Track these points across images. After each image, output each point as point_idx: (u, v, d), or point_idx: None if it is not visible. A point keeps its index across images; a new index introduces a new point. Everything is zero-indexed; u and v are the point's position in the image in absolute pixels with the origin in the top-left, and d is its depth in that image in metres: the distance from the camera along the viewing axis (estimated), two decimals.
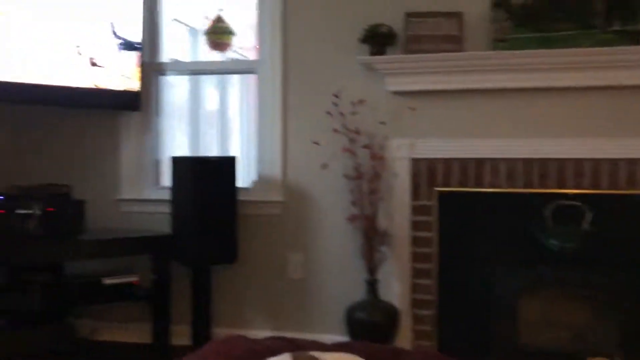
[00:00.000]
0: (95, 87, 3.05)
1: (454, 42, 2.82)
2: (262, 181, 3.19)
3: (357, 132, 2.88)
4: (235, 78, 4.84)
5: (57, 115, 3.27)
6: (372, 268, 2.87)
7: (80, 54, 3.00)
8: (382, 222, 2.91)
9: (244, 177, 3.41)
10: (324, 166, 2.95)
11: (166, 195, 3.08)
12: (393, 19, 2.88)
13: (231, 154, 5.27)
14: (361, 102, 2.91)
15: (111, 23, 3.08)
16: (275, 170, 3.15)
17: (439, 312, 2.93)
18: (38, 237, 2.63)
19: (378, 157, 2.88)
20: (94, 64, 3.06)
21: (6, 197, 2.64)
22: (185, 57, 4.52)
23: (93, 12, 3.02)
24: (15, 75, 2.82)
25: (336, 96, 2.93)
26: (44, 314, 2.77)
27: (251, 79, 3.88)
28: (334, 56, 3.05)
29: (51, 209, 2.61)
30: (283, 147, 3.14)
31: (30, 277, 2.70)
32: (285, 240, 3.14)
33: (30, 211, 2.58)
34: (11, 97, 2.86)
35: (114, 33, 3.09)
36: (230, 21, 3.51)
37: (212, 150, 5.01)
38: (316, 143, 2.99)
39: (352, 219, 2.92)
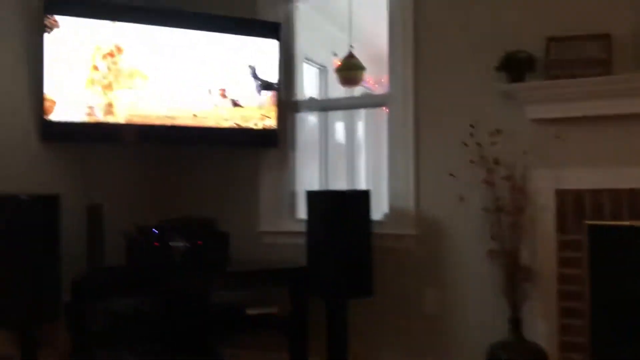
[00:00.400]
0: (237, 126, 3.24)
1: (601, 66, 2.64)
2: (395, 214, 3.17)
3: (496, 162, 2.77)
4: (365, 110, 4.92)
5: (204, 153, 3.51)
6: (514, 306, 2.71)
7: (225, 97, 3.21)
8: (525, 258, 2.75)
9: (375, 210, 3.40)
10: (461, 199, 2.87)
11: (302, 227, 3.16)
12: (530, 44, 2.77)
13: (361, 186, 5.34)
14: (499, 131, 2.80)
15: (251, 66, 3.27)
16: (409, 203, 3.11)
17: (593, 357, 2.69)
18: (187, 268, 2.80)
19: (519, 188, 2.75)
20: (235, 105, 3.26)
21: (160, 230, 2.85)
22: (316, 93, 4.68)
23: (235, 57, 3.23)
24: (166, 118, 3.08)
25: (472, 126, 2.86)
26: (192, 341, 2.92)
27: (380, 110, 3.94)
28: (469, 85, 2.99)
29: (200, 242, 2.77)
30: (416, 179, 3.10)
31: (180, 306, 2.87)
32: (421, 274, 3.08)
33: (181, 244, 2.77)
34: (163, 138, 3.12)
35: (254, 75, 3.28)
36: (361, 56, 3.58)
37: (341, 182, 5.10)
38: (452, 175, 2.93)
39: (492, 254, 2.79)
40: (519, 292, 2.72)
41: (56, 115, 2.83)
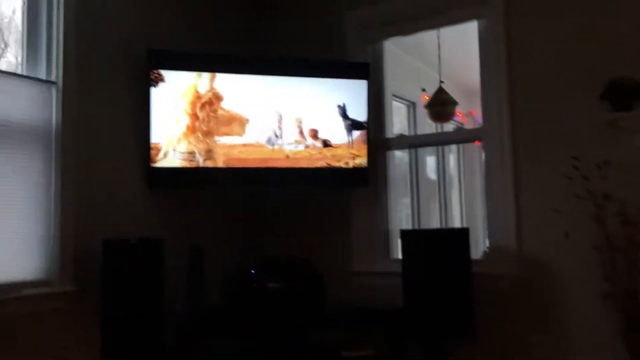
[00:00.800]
0: (328, 165, 3.27)
1: None
2: (495, 253, 3.03)
3: (606, 197, 2.59)
4: (455, 145, 4.82)
5: (297, 193, 3.57)
6: (635, 353, 2.48)
7: (316, 137, 3.26)
8: None
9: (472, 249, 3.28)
10: (566, 236, 2.70)
11: (396, 267, 3.09)
12: (635, 71, 2.61)
13: (454, 222, 5.20)
14: (606, 163, 2.63)
15: (340, 106, 3.30)
16: (509, 241, 2.97)
17: None
18: (284, 309, 2.81)
19: (633, 224, 2.55)
20: (326, 145, 3.29)
21: (257, 271, 2.90)
22: (406, 129, 4.65)
23: (325, 98, 3.28)
24: (261, 161, 3.16)
25: (575, 159, 2.70)
26: None
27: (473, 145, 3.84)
28: (569, 115, 2.84)
29: (297, 283, 2.79)
30: (517, 216, 2.96)
31: (277, 347, 2.88)
32: (526, 318, 2.89)
33: (278, 285, 2.79)
34: (258, 180, 3.20)
35: (344, 115, 3.31)
36: (449, 90, 3.54)
37: (434, 218, 4.99)
38: (555, 210, 2.77)
39: (606, 296, 2.58)
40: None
41: (160, 162, 2.99)
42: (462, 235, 2.83)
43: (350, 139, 3.31)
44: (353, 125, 3.33)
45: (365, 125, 3.34)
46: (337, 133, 3.30)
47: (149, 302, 2.59)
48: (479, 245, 4.69)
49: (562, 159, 2.78)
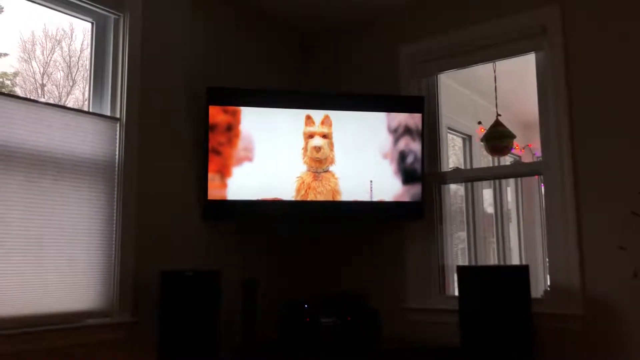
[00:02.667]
0: (382, 200, 3.24)
1: None
2: (556, 291, 2.91)
3: None
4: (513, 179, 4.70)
5: (351, 227, 3.55)
6: None
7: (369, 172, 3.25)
8: None
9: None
10: (635, 275, 2.56)
11: (451, 304, 3.01)
12: None
13: (512, 257, 5.03)
14: None
15: (402, 151, 3.28)
16: (572, 280, 2.84)
17: None
18: (337, 345, 2.78)
19: None
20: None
21: (310, 305, 2.88)
22: (461, 162, 4.58)
23: (382, 131, 3.28)
24: (312, 195, 3.18)
25: None
26: None
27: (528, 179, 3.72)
28: (634, 148, 2.73)
29: (349, 318, 2.75)
30: (580, 253, 2.83)
31: None
32: None
33: (331, 319, 2.76)
34: (313, 215, 3.20)
35: (401, 158, 3.29)
36: (505, 123, 3.47)
37: (490, 254, 4.85)
38: (622, 248, 2.63)
39: None
40: None
41: (214, 194, 3.05)
42: (522, 273, 2.73)
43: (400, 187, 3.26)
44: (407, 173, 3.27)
45: (421, 159, 3.30)
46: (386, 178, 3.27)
47: (205, 334, 2.61)
48: (539, 283, 4.51)
49: (628, 193, 2.66)
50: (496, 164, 4.25)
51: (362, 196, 3.22)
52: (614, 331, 2.70)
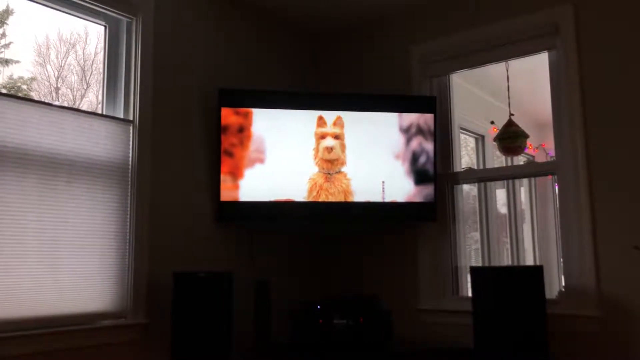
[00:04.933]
0: (394, 201, 3.23)
1: None
2: (571, 292, 2.88)
3: None
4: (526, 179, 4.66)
5: (364, 228, 3.54)
6: None
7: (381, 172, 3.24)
8: None
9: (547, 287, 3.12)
10: None
11: (465, 305, 2.99)
12: None
13: (526, 258, 4.99)
14: None
15: (415, 152, 3.27)
16: (587, 281, 2.81)
17: None
18: (350, 346, 2.77)
19: None
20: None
21: (323, 307, 2.88)
22: (474, 162, 4.55)
23: (393, 132, 3.27)
24: (324, 196, 3.18)
25: None
26: None
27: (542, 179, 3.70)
28: None
29: (362, 319, 2.74)
30: (594, 253, 2.81)
31: None
32: None
33: (343, 321, 2.76)
34: (327, 216, 3.20)
35: (413, 159, 3.28)
36: (519, 122, 3.44)
37: (504, 255, 4.81)
38: (638, 248, 2.60)
39: None
40: None
41: (226, 196, 3.06)
42: (536, 274, 2.70)
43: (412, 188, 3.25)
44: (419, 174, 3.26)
45: (433, 159, 3.29)
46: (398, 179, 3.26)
47: (217, 335, 2.62)
48: (553, 284, 4.47)
49: None
50: (509, 164, 4.22)
51: (375, 197, 3.21)
52: (630, 332, 2.67)
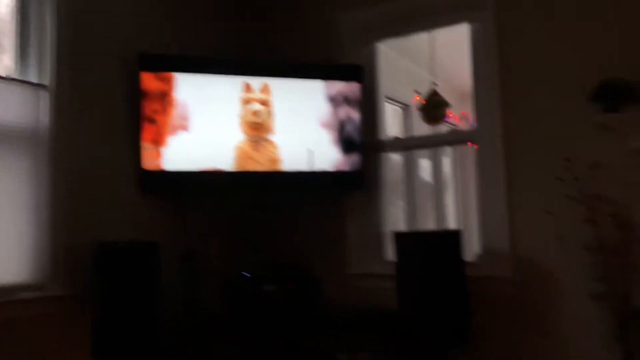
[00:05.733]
0: (322, 169, 3.26)
1: None
2: (488, 255, 3.03)
3: (598, 198, 2.60)
4: (449, 147, 4.81)
5: (292, 197, 3.56)
6: (628, 355, 2.48)
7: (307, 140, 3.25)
8: (638, 300, 2.52)
9: (466, 251, 3.27)
10: (560, 238, 2.70)
11: (391, 269, 3.08)
12: (626, 72, 2.61)
13: (450, 225, 5.20)
14: (598, 164, 2.63)
15: (341, 120, 3.29)
16: (503, 244, 2.96)
17: None
18: (281, 312, 2.80)
19: (626, 225, 2.55)
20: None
21: (253, 275, 2.89)
22: (400, 132, 4.64)
23: (319, 100, 3.27)
24: (251, 165, 3.16)
25: (567, 160, 2.70)
26: None
27: (467, 145, 3.83)
28: (561, 117, 2.84)
29: (291, 286, 2.78)
30: (510, 218, 2.96)
31: (272, 350, 2.87)
32: (520, 320, 2.89)
33: (274, 288, 2.78)
34: (254, 185, 3.19)
35: (340, 127, 3.30)
36: (443, 93, 3.53)
37: (429, 221, 4.98)
38: (548, 212, 2.77)
39: (598, 297, 2.58)
40: (633, 338, 2.48)
41: (150, 164, 2.98)
42: (455, 238, 2.83)
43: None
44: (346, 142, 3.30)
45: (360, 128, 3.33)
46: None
47: (143, 306, 2.58)
48: (475, 248, 4.68)
49: (555, 160, 2.78)
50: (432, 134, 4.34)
51: (303, 166, 3.22)
52: (540, 290, 2.85)
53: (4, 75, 2.59)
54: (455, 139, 3.71)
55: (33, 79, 2.66)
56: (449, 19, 3.21)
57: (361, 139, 3.32)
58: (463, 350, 2.85)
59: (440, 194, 5.19)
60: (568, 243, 2.70)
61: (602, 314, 2.59)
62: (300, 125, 3.24)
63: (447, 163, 5.46)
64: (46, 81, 2.67)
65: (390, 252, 3.45)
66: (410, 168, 4.50)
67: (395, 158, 4.18)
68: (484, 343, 2.90)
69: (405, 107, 4.82)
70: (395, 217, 4.18)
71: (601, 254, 2.57)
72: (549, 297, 2.83)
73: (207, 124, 3.07)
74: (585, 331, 2.70)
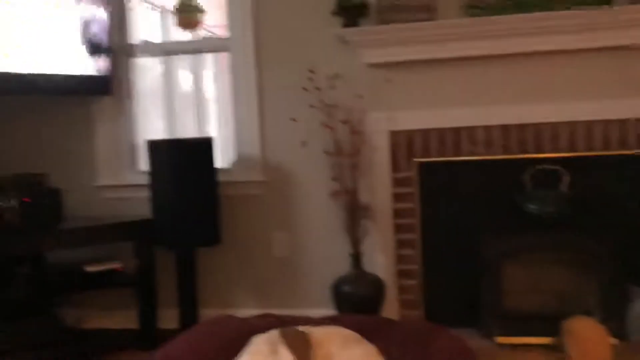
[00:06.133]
0: (64, 73, 2.97)
1: (428, 11, 2.80)
2: (242, 161, 3.17)
3: (335, 107, 2.86)
4: (209, 57, 4.76)
5: (27, 103, 3.19)
6: (355, 242, 2.89)
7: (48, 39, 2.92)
8: (364, 196, 2.92)
9: (224, 158, 3.37)
10: (304, 143, 2.95)
11: (145, 179, 3.04)
12: None
13: (209, 134, 5.23)
14: (337, 76, 2.88)
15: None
16: (254, 150, 3.13)
17: (424, 282, 2.97)
18: (16, 228, 2.58)
19: (357, 131, 2.87)
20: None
21: None
22: (157, 38, 4.42)
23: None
24: None
25: (311, 71, 2.90)
26: (28, 305, 2.74)
27: (224, 57, 3.83)
28: (308, 30, 3.02)
29: (27, 199, 2.56)
30: (260, 126, 3.12)
31: (11, 268, 2.66)
32: (269, 219, 3.14)
33: (6, 202, 2.53)
34: None
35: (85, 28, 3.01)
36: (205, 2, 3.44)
37: (189, 132, 4.95)
38: (293, 120, 2.98)
39: (334, 194, 2.92)
40: (359, 228, 2.89)
41: None
42: (207, 145, 2.88)
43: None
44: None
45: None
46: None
47: None
48: (232, 155, 4.83)
49: (300, 71, 2.95)
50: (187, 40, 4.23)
51: (45, 68, 2.89)
52: (288, 192, 3.12)
53: None
54: (209, 46, 3.68)
55: None
56: None
57: (108, 41, 3.09)
58: (214, 249, 3.01)
59: (202, 103, 5.17)
60: (311, 147, 2.95)
61: (337, 209, 2.95)
62: (38, 23, 2.87)
63: (208, 74, 5.42)
64: None
65: (144, 162, 3.39)
66: (169, 77, 4.36)
67: (155, 67, 4.01)
68: (236, 241, 3.12)
69: (163, 11, 4.58)
70: (154, 127, 4.06)
71: (336, 157, 2.88)
72: (294, 196, 3.12)
73: None
74: (324, 225, 3.06)
